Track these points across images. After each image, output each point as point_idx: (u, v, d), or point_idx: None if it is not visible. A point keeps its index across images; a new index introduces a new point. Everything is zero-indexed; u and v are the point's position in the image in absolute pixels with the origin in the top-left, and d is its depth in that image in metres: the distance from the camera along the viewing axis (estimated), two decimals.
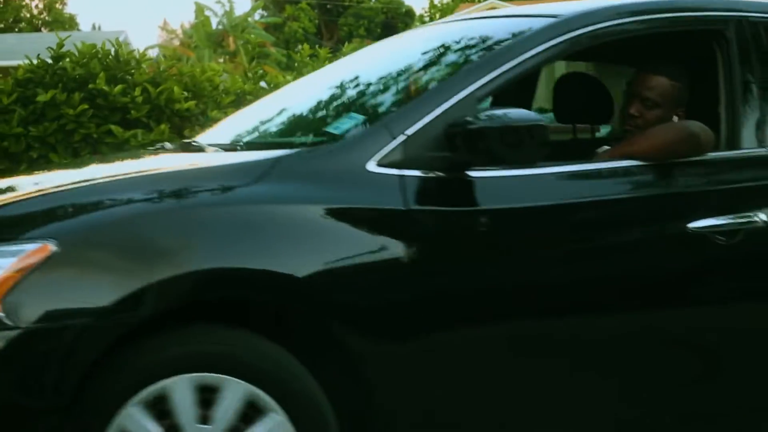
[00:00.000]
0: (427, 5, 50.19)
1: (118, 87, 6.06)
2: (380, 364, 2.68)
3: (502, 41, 3.18)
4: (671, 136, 3.13)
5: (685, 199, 3.14)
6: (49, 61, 6.53)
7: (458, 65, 3.27)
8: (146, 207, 2.65)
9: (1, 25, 45.58)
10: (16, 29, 45.62)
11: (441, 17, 48.07)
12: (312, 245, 2.65)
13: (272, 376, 2.57)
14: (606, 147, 3.48)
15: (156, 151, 3.59)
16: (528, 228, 2.94)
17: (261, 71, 8.23)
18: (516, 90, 3.70)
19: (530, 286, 2.89)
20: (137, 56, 6.77)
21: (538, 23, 3.20)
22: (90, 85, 6.11)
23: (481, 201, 2.87)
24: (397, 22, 48.35)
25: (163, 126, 5.27)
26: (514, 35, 3.19)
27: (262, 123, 3.56)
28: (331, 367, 2.67)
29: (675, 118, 3.39)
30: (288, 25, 41.58)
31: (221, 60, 29.28)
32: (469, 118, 2.79)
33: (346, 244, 2.69)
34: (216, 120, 5.23)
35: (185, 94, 5.47)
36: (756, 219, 3.11)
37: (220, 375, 2.53)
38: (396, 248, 2.71)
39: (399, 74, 3.42)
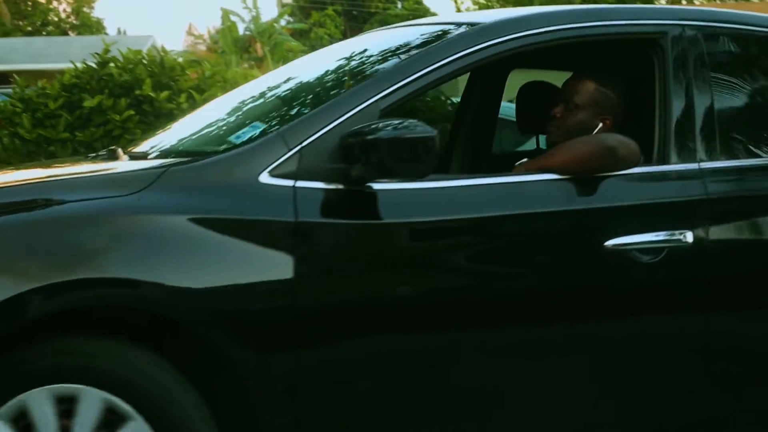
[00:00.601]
0: (453, 11, 50.08)
1: (164, 93, 6.07)
2: (258, 374, 2.64)
3: (414, 50, 3.13)
4: (586, 150, 3.04)
5: (604, 215, 3.04)
6: (94, 66, 6.53)
7: (366, 75, 3.22)
8: (20, 217, 2.62)
9: (30, 29, 45.85)
10: (44, 33, 45.88)
11: None
12: (186, 255, 2.61)
13: (131, 384, 2.54)
14: (525, 159, 3.39)
15: (93, 159, 3.59)
16: (425, 242, 2.90)
17: None
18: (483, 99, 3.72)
19: (418, 301, 2.85)
20: (181, 63, 6.80)
21: (456, 32, 3.15)
22: (136, 91, 6.11)
23: (379, 214, 2.83)
24: None
25: None
26: (425, 45, 3.15)
27: (192, 131, 3.50)
28: (213, 377, 2.66)
29: (599, 125, 3.32)
30: (314, 31, 41.61)
31: (246, 65, 29.34)
32: (362, 130, 2.74)
33: (226, 254, 2.64)
34: None
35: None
36: (681, 237, 3.03)
37: (76, 385, 2.51)
38: (282, 260, 2.67)
39: (312, 84, 3.38)
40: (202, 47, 39.99)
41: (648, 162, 3.16)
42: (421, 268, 2.87)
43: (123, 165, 3.19)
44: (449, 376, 2.90)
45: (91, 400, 2.53)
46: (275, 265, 2.67)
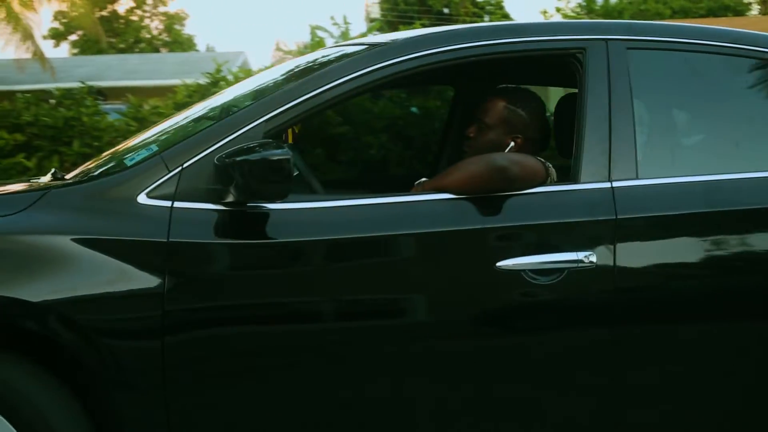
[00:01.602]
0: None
1: None
2: (124, 386, 2.75)
3: (307, 73, 3.14)
4: (475, 170, 2.96)
5: (497, 236, 2.95)
6: (206, 84, 6.62)
7: (259, 96, 3.21)
8: None
9: (123, 46, 46.77)
10: (137, 50, 46.76)
11: None
12: (57, 272, 2.71)
13: None
14: (424, 179, 3.32)
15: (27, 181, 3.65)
16: (302, 261, 2.89)
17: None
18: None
19: (299, 324, 2.88)
20: None
21: (356, 53, 3.16)
22: None
23: (251, 233, 2.86)
24: None
25: (318, 150, 5.29)
26: (318, 67, 3.16)
27: (113, 152, 3.54)
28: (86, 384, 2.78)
29: (511, 144, 3.29)
30: None
31: None
32: (230, 152, 2.76)
33: (97, 271, 2.73)
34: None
35: (339, 119, 5.48)
36: (582, 259, 2.91)
37: None
38: (150, 278, 2.74)
39: (215, 108, 3.41)
40: None
41: (568, 180, 3.06)
42: (289, 284, 2.87)
43: (20, 186, 3.34)
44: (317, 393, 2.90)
45: None
46: (146, 280, 2.74)
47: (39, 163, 5.55)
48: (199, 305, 2.80)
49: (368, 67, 3.02)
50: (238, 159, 2.72)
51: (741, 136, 3.36)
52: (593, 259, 2.93)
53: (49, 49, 34.20)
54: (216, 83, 6.31)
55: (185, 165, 2.85)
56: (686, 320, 3.06)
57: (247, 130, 2.88)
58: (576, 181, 3.03)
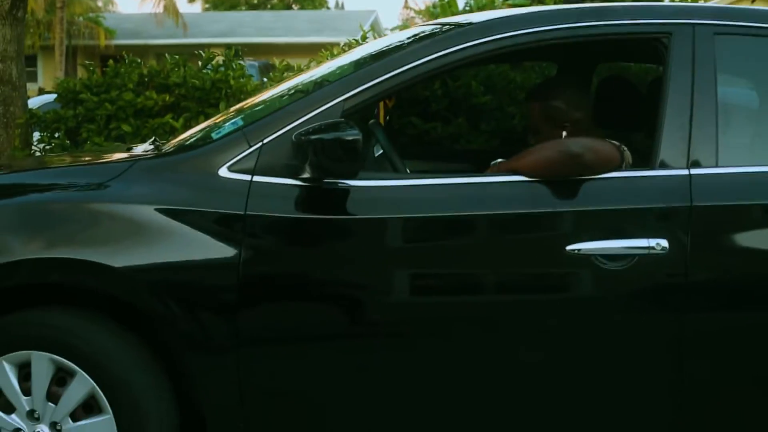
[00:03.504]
0: None
1: None
2: (198, 350, 2.88)
3: (389, 52, 3.20)
4: (549, 155, 2.97)
5: (567, 219, 2.95)
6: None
7: (336, 76, 3.27)
8: (8, 201, 3.02)
9: (255, 2, 47.37)
10: (269, 6, 47.30)
11: (692, 3, 46.44)
12: (142, 241, 2.86)
13: (73, 347, 2.90)
14: (500, 160, 3.30)
15: (126, 149, 3.79)
16: (382, 239, 2.94)
17: None
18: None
19: (368, 299, 2.94)
20: None
21: (436, 34, 3.20)
22: None
23: (324, 209, 2.94)
24: None
25: (461, 119, 5.28)
26: (399, 48, 3.21)
27: (212, 123, 3.63)
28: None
29: (563, 134, 3.29)
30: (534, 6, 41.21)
31: None
32: (307, 130, 2.84)
33: (178, 241, 2.87)
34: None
35: (481, 88, 5.46)
36: (654, 246, 2.88)
37: (30, 351, 2.93)
38: (227, 250, 2.86)
39: (299, 86, 3.48)
40: (419, 21, 40.26)
41: (647, 165, 3.04)
42: (360, 260, 2.94)
43: (114, 156, 3.54)
44: (395, 374, 2.98)
45: (40, 360, 2.92)
46: (223, 251, 2.86)
47: (186, 123, 5.67)
48: (272, 276, 2.91)
49: (447, 48, 3.06)
50: (313, 137, 2.81)
51: None
52: (665, 245, 2.90)
53: (183, 4, 34.76)
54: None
55: (265, 141, 2.95)
56: (758, 311, 3.01)
57: (325, 109, 2.96)
58: (653, 167, 3.01)
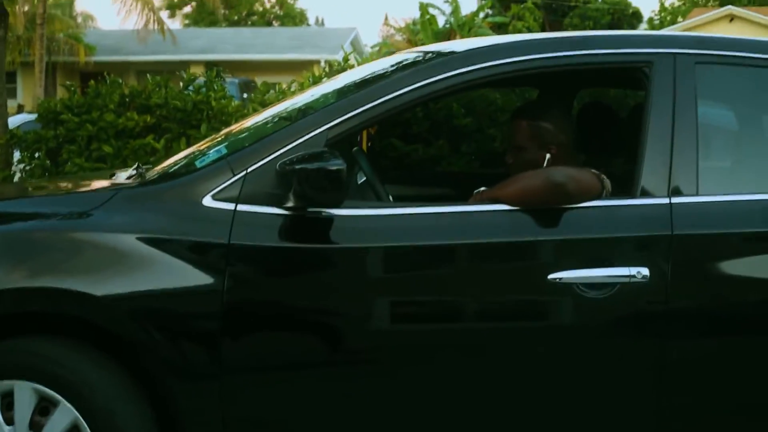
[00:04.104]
0: (657, 7, 48.88)
1: None
2: (179, 377, 2.89)
3: (372, 81, 3.23)
4: (532, 184, 2.99)
5: (549, 248, 2.98)
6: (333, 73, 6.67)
7: (320, 104, 3.29)
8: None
9: (236, 18, 47.40)
10: (249, 23, 47.33)
11: (671, 21, 46.85)
12: (124, 270, 2.86)
13: (57, 377, 2.88)
14: (483, 188, 3.31)
15: (109, 176, 3.80)
16: (365, 268, 2.96)
17: None
18: None
19: (352, 328, 2.95)
20: None
21: (417, 63, 3.23)
22: None
23: (316, 238, 2.95)
24: (623, 23, 47.41)
25: (442, 141, 5.31)
26: (382, 76, 3.24)
27: (196, 149, 3.64)
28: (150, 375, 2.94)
29: (547, 156, 3.31)
30: (513, 24, 41.41)
31: None
32: (291, 159, 2.87)
33: (162, 270, 2.87)
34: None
35: (462, 110, 5.49)
36: (635, 274, 2.92)
37: (13, 381, 2.92)
38: (211, 278, 2.87)
39: (283, 114, 3.49)
40: (399, 38, 40.40)
41: (628, 193, 3.07)
42: (351, 291, 2.95)
43: (97, 183, 3.55)
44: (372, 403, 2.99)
45: (24, 390, 2.91)
46: (206, 280, 2.87)
47: (167, 144, 5.67)
48: (256, 304, 2.92)
49: (430, 77, 3.08)
50: (297, 167, 2.82)
51: None
52: (646, 273, 2.93)
53: (163, 19, 34.68)
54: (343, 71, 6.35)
55: (249, 169, 2.96)
56: (738, 339, 3.05)
57: (309, 138, 2.98)
58: (634, 196, 3.04)
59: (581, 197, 3.00)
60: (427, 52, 3.42)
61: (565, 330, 3.00)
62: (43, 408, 2.93)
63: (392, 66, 3.43)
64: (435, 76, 3.08)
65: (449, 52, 3.27)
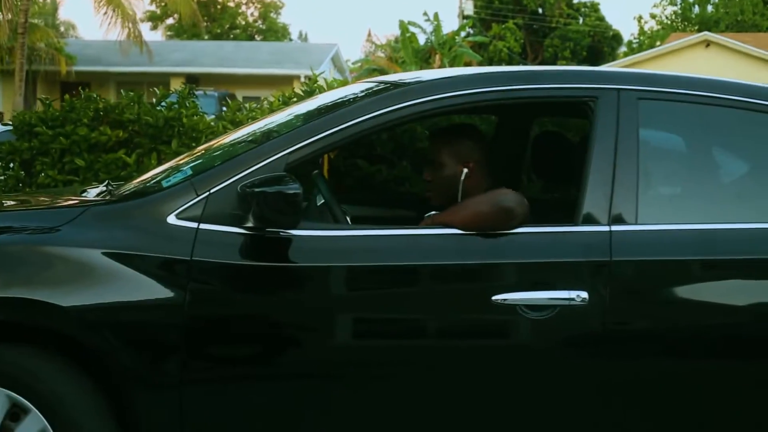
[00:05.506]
0: (636, 31, 49.19)
1: None
2: (142, 387, 3.01)
3: (333, 108, 3.40)
4: (482, 209, 3.15)
5: (494, 271, 3.14)
6: (301, 93, 6.78)
7: (284, 129, 3.45)
8: None
9: (218, 31, 47.36)
10: (231, 36, 47.30)
11: (650, 45, 47.16)
12: (90, 283, 3.00)
13: (32, 386, 2.99)
14: (433, 212, 3.47)
15: (80, 192, 3.92)
16: (319, 286, 3.12)
17: None
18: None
19: (306, 342, 3.12)
20: None
21: (377, 92, 3.39)
22: None
23: (273, 257, 3.10)
24: (603, 45, 47.71)
25: (405, 163, 5.43)
26: (344, 103, 3.40)
27: (165, 168, 3.78)
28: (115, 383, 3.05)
29: (464, 170, 3.49)
30: (493, 44, 41.64)
31: None
32: (251, 182, 3.04)
33: (126, 283, 3.01)
34: None
35: (426, 133, 5.62)
36: (575, 297, 3.07)
37: None
38: (173, 292, 3.01)
39: (249, 137, 3.64)
40: (380, 54, 40.53)
41: (570, 221, 3.21)
42: (306, 307, 3.11)
43: (66, 201, 3.67)
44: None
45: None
46: (169, 293, 3.02)
47: (138, 159, 5.77)
48: (216, 318, 3.07)
49: (390, 106, 3.23)
50: (256, 190, 2.98)
51: (744, 189, 3.51)
52: (585, 297, 3.09)
53: (145, 32, 34.75)
54: (311, 93, 6.44)
55: (212, 191, 3.12)
56: (673, 360, 3.21)
57: (269, 162, 3.14)
58: (576, 223, 3.20)
59: (523, 222, 3.16)
60: (391, 82, 3.56)
61: (508, 349, 3.16)
62: (14, 414, 3.03)
63: (358, 93, 3.59)
64: (395, 104, 3.24)
65: (414, 82, 3.45)
